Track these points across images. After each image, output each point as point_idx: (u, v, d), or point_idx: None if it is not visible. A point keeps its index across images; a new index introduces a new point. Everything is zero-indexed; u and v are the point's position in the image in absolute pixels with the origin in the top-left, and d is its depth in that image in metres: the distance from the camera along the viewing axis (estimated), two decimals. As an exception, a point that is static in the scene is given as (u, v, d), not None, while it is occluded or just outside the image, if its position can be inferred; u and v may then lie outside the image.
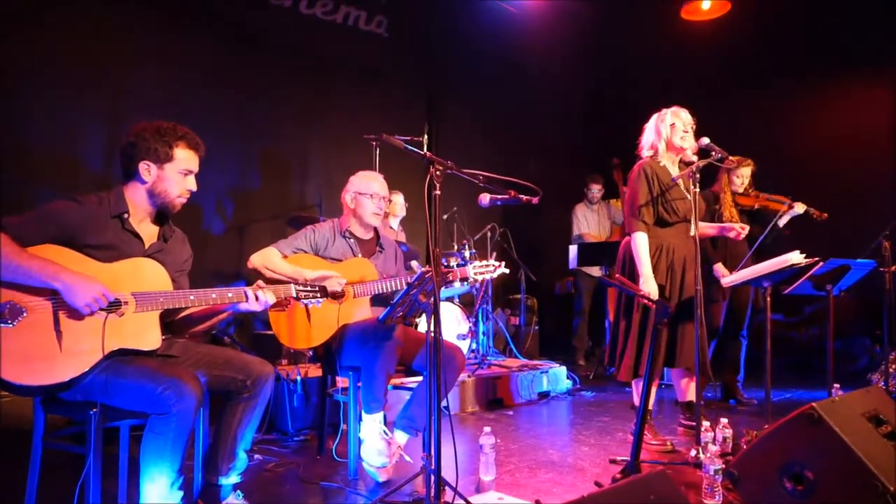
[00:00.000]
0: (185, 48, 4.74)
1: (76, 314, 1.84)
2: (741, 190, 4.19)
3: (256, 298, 2.11)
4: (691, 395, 3.27)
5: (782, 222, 4.11)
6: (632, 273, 3.17)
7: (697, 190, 2.93)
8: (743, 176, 4.18)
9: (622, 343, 3.18)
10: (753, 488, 2.15)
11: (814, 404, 2.04)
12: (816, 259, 3.05)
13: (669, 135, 3.16)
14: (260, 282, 2.18)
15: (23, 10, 4.01)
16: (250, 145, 5.19)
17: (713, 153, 2.96)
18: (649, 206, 3.13)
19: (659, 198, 3.13)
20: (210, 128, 4.57)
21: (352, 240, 3.00)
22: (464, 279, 2.93)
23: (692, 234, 3.16)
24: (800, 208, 4.04)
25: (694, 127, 3.17)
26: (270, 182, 5.29)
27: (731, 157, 2.99)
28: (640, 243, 3.10)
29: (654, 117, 3.23)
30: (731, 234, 3.32)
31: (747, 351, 4.32)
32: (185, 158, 2.11)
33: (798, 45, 5.97)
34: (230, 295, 2.09)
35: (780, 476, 2.07)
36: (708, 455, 2.39)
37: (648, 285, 3.03)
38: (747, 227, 3.34)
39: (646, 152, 3.24)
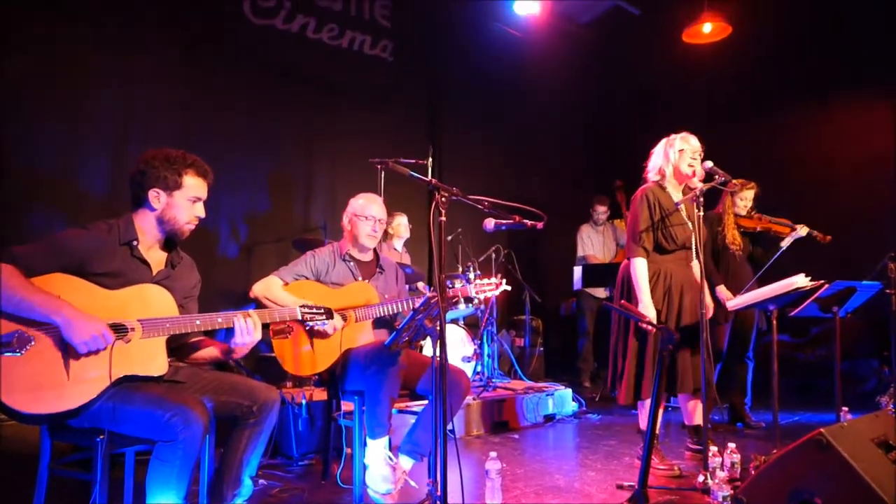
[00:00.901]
0: (192, 74, 4.82)
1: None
2: (744, 212, 4.21)
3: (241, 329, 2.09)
4: (698, 419, 3.25)
5: (785, 244, 4.11)
6: (629, 297, 3.18)
7: (701, 214, 2.94)
8: (746, 199, 4.20)
9: (620, 366, 3.18)
10: (762, 515, 2.12)
11: (822, 430, 2.02)
12: (822, 282, 3.05)
13: (677, 160, 3.17)
14: (250, 311, 2.16)
15: (31, 35, 4.09)
16: (257, 168, 5.25)
17: (716, 176, 2.97)
18: (649, 232, 3.15)
19: (659, 224, 3.15)
20: (217, 151, 4.64)
21: (352, 263, 3.02)
22: (466, 298, 2.93)
23: (693, 261, 3.19)
24: (802, 230, 4.04)
25: (702, 154, 3.17)
26: (276, 204, 5.34)
27: (734, 181, 3.00)
28: (640, 269, 3.11)
29: (664, 142, 3.24)
30: None
31: (754, 373, 4.30)
32: (194, 186, 2.13)
33: (799, 66, 6.02)
34: (236, 319, 2.10)
35: (789, 502, 2.04)
36: (716, 481, 2.37)
37: (648, 311, 3.04)
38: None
39: (653, 176, 3.25)
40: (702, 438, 2.93)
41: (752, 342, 4.21)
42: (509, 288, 3.01)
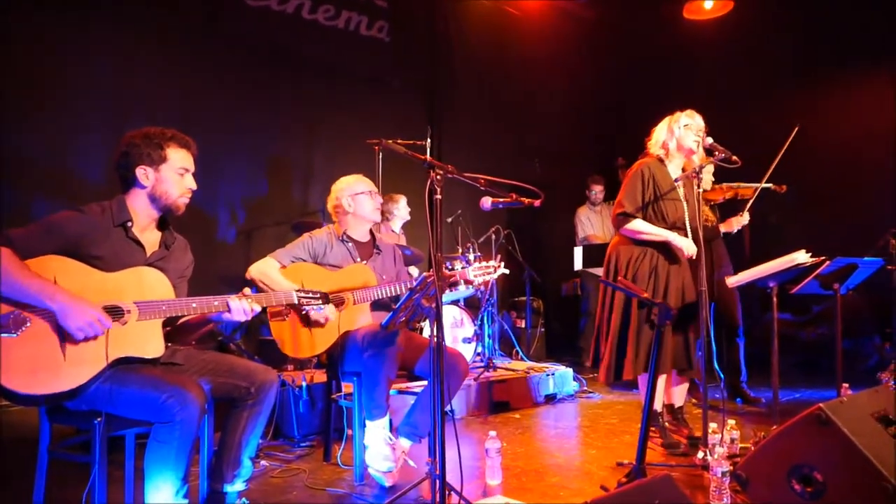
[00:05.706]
0: (188, 58, 4.76)
1: None
2: (709, 186, 4.09)
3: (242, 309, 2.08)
4: (674, 399, 3.27)
5: (750, 203, 3.95)
6: (615, 278, 3.12)
7: (700, 191, 2.91)
8: (707, 173, 4.08)
9: (603, 346, 3.15)
10: (762, 490, 2.12)
11: (822, 405, 2.01)
12: (823, 258, 3.02)
13: (682, 135, 3.12)
14: (246, 290, 2.15)
15: (24, 23, 4.03)
16: (255, 152, 5.21)
17: (716, 153, 2.94)
18: (639, 206, 3.08)
19: (650, 200, 3.09)
20: (214, 134, 4.61)
21: (350, 244, 3.01)
22: (465, 282, 2.92)
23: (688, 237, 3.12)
24: (762, 185, 3.89)
25: (704, 134, 3.10)
26: (274, 187, 5.31)
27: (734, 158, 2.95)
28: (642, 225, 3.05)
29: (668, 118, 3.18)
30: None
31: (749, 350, 4.19)
32: (179, 157, 2.13)
33: (801, 42, 5.95)
34: (231, 301, 2.09)
35: (789, 478, 2.04)
36: (715, 457, 2.38)
37: (680, 241, 3.01)
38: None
39: (657, 151, 3.19)
40: (702, 414, 2.91)
41: (739, 320, 4.09)
42: (507, 271, 3.00)
